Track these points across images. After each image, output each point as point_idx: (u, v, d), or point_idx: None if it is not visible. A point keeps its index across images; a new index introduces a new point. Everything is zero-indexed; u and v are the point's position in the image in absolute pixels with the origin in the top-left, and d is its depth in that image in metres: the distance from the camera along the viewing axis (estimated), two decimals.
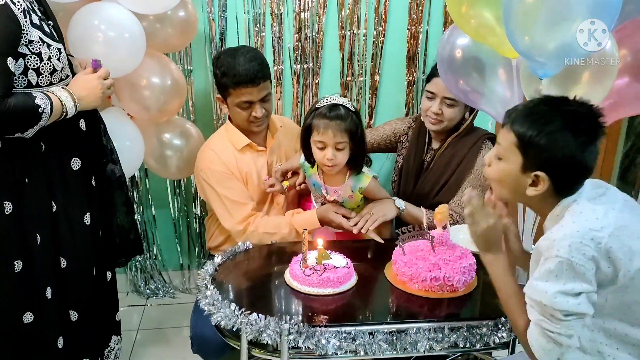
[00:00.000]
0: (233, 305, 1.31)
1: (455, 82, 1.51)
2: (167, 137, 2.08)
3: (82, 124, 1.54)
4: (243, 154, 1.84)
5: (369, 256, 1.68)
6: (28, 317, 1.48)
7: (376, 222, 1.67)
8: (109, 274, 1.67)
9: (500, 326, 1.32)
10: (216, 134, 1.92)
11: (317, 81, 2.28)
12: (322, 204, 1.81)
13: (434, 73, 1.77)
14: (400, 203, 1.75)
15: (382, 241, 1.67)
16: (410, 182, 1.91)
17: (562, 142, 0.99)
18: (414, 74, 2.31)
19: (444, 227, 1.49)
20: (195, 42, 2.17)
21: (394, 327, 1.30)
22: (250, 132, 1.85)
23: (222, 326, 1.32)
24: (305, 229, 1.45)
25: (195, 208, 2.43)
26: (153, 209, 2.43)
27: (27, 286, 1.45)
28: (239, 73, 1.69)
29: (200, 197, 2.38)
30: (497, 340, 1.31)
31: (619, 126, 2.63)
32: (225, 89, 1.75)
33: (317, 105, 1.63)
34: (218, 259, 1.57)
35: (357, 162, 1.67)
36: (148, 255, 2.48)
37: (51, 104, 1.35)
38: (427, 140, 1.92)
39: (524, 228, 1.53)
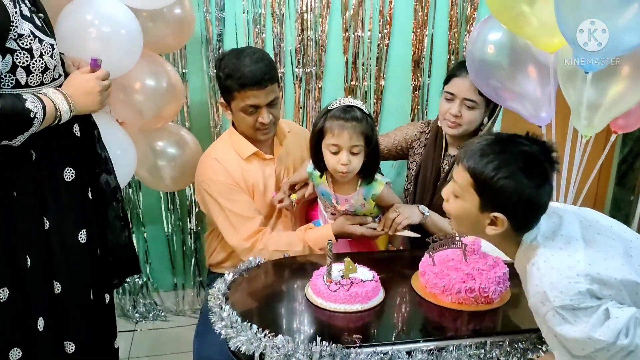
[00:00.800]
0: (255, 327, 1.17)
1: (486, 79, 1.44)
2: (161, 145, 1.93)
3: (77, 129, 1.38)
4: (249, 163, 1.71)
5: (391, 268, 1.57)
6: (15, 354, 1.28)
7: (404, 222, 1.60)
8: (107, 297, 1.50)
9: (543, 339, 1.22)
10: (219, 142, 1.78)
11: (320, 85, 2.18)
12: (332, 214, 1.70)
13: (453, 73, 1.71)
14: (424, 209, 1.67)
15: (417, 235, 1.59)
16: (428, 191, 1.83)
17: (518, 185, 0.99)
18: (420, 79, 2.24)
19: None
20: (191, 43, 2.05)
21: (433, 344, 1.19)
22: (256, 140, 1.72)
23: (242, 352, 1.18)
24: (330, 240, 1.33)
25: (190, 222, 2.27)
26: (144, 224, 2.26)
27: (14, 317, 1.26)
28: (244, 75, 1.58)
29: (196, 211, 2.23)
30: (542, 355, 1.22)
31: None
32: (230, 92, 1.63)
33: (329, 107, 1.53)
34: (229, 276, 1.43)
35: (370, 170, 1.58)
36: (137, 274, 2.29)
37: (44, 107, 1.20)
38: (444, 147, 1.83)
39: None
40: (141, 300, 2.34)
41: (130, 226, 2.01)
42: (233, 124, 1.75)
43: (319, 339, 1.13)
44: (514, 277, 1.42)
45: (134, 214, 2.23)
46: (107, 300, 1.49)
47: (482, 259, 1.38)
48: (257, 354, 1.13)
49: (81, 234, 1.37)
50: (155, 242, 2.30)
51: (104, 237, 1.50)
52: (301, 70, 2.15)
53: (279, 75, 2.09)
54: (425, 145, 1.88)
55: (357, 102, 1.54)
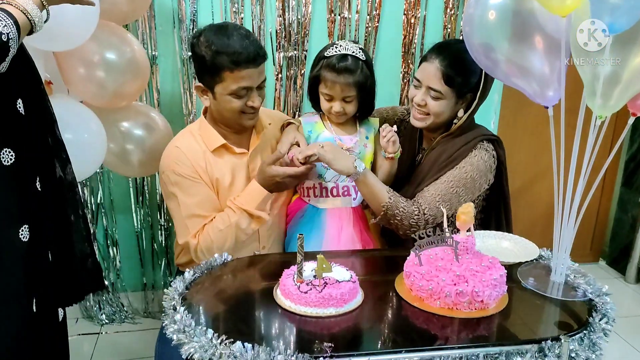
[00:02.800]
0: (210, 333, 1.04)
1: (486, 51, 1.29)
2: (126, 126, 1.77)
3: (20, 105, 1.18)
4: (217, 156, 1.54)
5: (372, 268, 1.45)
6: None
7: (315, 156, 1.47)
8: (60, 312, 1.29)
9: (547, 351, 1.08)
10: (185, 130, 1.61)
11: (302, 71, 2.04)
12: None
13: (425, 57, 1.57)
14: (361, 165, 1.49)
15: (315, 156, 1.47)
16: (401, 182, 1.68)
17: None
18: (410, 66, 2.13)
19: (468, 231, 1.25)
20: (162, 24, 1.92)
21: (417, 355, 1.05)
22: (231, 130, 1.56)
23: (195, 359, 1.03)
24: (302, 234, 1.17)
25: (160, 217, 2.12)
26: (111, 218, 2.11)
27: None
28: (237, 51, 1.40)
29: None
30: None
31: (623, 127, 2.49)
32: (218, 73, 1.44)
33: (325, 54, 1.52)
34: (189, 275, 1.28)
35: (365, 111, 1.63)
36: (103, 273, 2.14)
37: (15, 22, 1.02)
38: (418, 138, 1.71)
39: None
40: (107, 301, 2.19)
41: (92, 231, 1.84)
42: (205, 112, 1.59)
43: (283, 347, 1.00)
44: (511, 280, 1.29)
45: (100, 207, 2.08)
46: (60, 317, 1.29)
47: (476, 259, 1.24)
48: None
49: (22, 231, 1.18)
50: (123, 239, 2.16)
51: (68, 244, 1.32)
52: (282, 54, 2.02)
53: None
54: (403, 136, 1.74)
55: (353, 49, 1.51)
